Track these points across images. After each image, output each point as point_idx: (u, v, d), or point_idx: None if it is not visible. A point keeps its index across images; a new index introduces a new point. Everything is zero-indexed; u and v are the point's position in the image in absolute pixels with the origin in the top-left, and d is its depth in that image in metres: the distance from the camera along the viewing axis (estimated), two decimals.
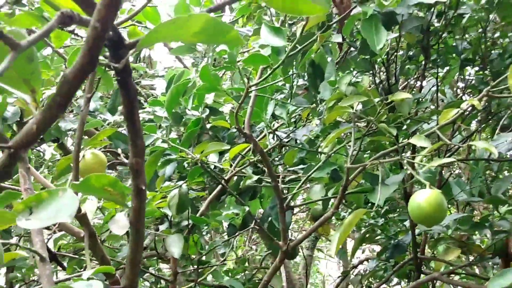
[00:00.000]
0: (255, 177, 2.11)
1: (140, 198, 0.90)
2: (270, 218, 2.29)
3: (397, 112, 1.79)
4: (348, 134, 1.89)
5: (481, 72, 2.19)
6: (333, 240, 1.36)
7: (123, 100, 0.83)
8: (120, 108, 2.88)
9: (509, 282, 1.36)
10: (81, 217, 1.61)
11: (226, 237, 2.56)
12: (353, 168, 1.58)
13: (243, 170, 2.15)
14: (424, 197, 1.33)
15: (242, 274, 3.00)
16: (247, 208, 1.96)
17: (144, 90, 3.20)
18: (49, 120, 0.65)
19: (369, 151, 2.17)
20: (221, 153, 2.40)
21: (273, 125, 2.24)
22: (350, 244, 7.32)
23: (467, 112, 1.61)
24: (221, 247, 3.23)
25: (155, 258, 2.95)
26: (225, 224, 3.01)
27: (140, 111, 2.75)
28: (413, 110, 1.90)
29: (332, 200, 2.17)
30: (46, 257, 1.30)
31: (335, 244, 1.35)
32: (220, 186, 2.27)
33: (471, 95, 2.44)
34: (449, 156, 2.36)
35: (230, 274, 3.23)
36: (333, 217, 3.48)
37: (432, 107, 2.41)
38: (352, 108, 1.53)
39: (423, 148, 1.44)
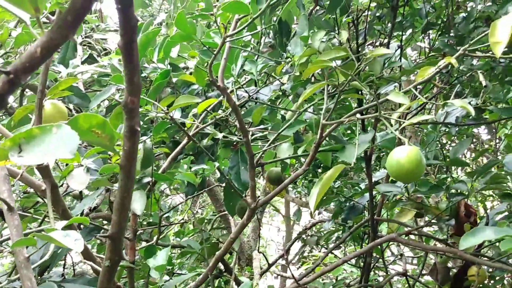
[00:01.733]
0: (220, 134, 2.06)
1: (134, 140, 0.84)
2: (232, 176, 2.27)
3: (368, 71, 1.79)
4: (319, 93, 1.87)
5: (446, 35, 2.21)
6: (312, 195, 1.34)
7: (121, 31, 0.76)
8: (72, 61, 2.75)
9: (480, 240, 1.39)
10: (43, 169, 1.52)
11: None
12: (327, 125, 1.56)
13: (207, 128, 2.10)
14: (404, 154, 1.33)
15: (196, 234, 2.98)
16: (214, 165, 1.90)
17: (98, 45, 3.06)
18: (56, 42, 0.58)
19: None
20: (183, 110, 2.34)
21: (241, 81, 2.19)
22: (292, 209, 7.43)
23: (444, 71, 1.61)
24: (167, 210, 3.19)
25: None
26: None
27: (94, 64, 2.63)
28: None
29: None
30: (13, 206, 1.22)
31: (314, 199, 1.33)
32: (181, 144, 2.21)
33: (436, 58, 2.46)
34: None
35: (182, 236, 3.20)
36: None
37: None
38: (331, 61, 1.50)
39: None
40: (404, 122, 1.38)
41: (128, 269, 2.02)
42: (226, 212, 3.53)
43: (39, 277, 2.34)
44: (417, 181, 1.92)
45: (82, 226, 2.51)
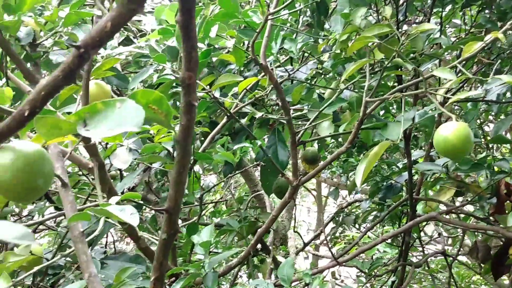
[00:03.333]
0: (259, 114, 2.07)
1: (191, 115, 0.86)
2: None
3: (410, 47, 1.76)
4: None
5: (487, 11, 2.17)
6: (358, 171, 1.35)
7: (180, 7, 0.77)
8: (109, 43, 2.78)
9: None
10: (90, 147, 1.55)
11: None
12: (371, 102, 1.55)
13: (246, 107, 2.11)
14: (451, 130, 1.32)
15: (232, 214, 3.00)
16: (257, 143, 1.90)
17: (134, 26, 3.09)
18: (126, 17, 0.59)
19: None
20: (220, 90, 2.36)
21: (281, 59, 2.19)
22: (324, 190, 7.43)
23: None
24: (198, 192, 3.21)
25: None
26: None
27: (131, 45, 2.66)
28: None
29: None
30: (67, 182, 1.25)
31: (360, 175, 1.33)
32: (221, 123, 2.22)
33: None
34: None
35: (217, 215, 3.23)
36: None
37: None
38: (375, 38, 1.49)
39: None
40: (450, 98, 1.37)
41: (172, 248, 2.06)
42: (260, 192, 3.56)
43: None
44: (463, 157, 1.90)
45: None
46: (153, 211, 3.11)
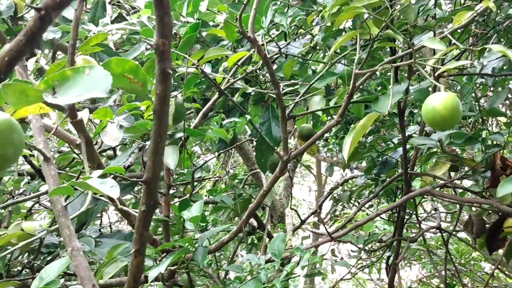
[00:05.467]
0: (251, 89, 2.05)
1: (166, 83, 0.84)
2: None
3: (402, 19, 1.74)
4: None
5: None
6: (345, 144, 1.33)
7: None
8: (101, 20, 2.75)
9: None
10: (77, 123, 1.54)
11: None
12: (360, 74, 1.53)
13: (238, 83, 2.09)
14: (440, 100, 1.30)
15: (229, 192, 3.00)
16: (246, 118, 1.89)
17: (127, 3, 3.05)
18: None
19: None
20: (213, 67, 2.33)
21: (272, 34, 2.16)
22: (324, 169, 7.42)
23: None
24: (198, 171, 3.20)
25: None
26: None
27: (124, 22, 2.63)
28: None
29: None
30: (50, 157, 1.24)
31: (347, 147, 1.32)
32: (212, 99, 2.21)
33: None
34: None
35: (214, 194, 3.23)
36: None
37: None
38: (365, 8, 1.46)
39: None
40: (439, 69, 1.35)
41: (163, 224, 2.06)
42: (258, 170, 3.55)
43: (76, 233, 2.41)
44: (453, 127, 1.87)
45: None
46: None
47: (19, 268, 2.45)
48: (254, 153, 3.63)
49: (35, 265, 2.19)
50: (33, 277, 1.91)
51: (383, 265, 3.40)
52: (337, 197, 2.87)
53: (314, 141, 1.76)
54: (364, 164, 3.50)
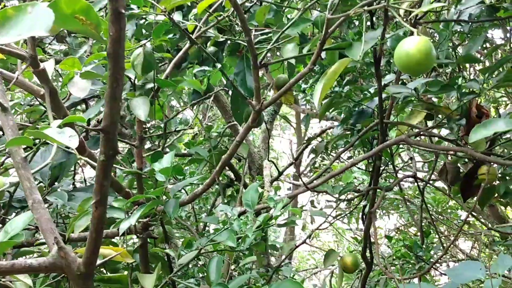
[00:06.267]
0: (223, 38, 1.99)
1: (120, 24, 0.79)
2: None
3: None
4: None
5: None
6: (316, 90, 1.30)
7: None
8: None
9: (491, 132, 1.35)
10: (40, 72, 1.48)
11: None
12: (333, 19, 1.48)
13: (210, 31, 2.03)
14: (413, 44, 1.27)
15: (206, 145, 2.97)
16: (217, 67, 1.83)
17: None
18: None
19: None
20: (184, 16, 2.26)
21: None
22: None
23: None
24: (176, 125, 3.16)
25: None
26: None
27: None
28: None
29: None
30: (8, 107, 1.19)
31: (318, 94, 1.28)
32: (184, 49, 2.15)
33: None
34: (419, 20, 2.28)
35: (191, 146, 3.20)
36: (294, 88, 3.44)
37: None
38: None
39: None
40: (413, 12, 1.31)
41: (137, 176, 2.03)
42: (235, 123, 3.52)
43: (49, 188, 2.37)
44: (427, 71, 1.84)
45: (89, 136, 2.51)
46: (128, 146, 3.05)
47: None
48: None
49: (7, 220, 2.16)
50: None
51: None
52: (314, 148, 2.85)
53: (287, 89, 1.72)
54: (343, 116, 3.48)
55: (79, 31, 0.83)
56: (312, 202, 4.89)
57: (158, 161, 1.67)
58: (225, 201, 3.46)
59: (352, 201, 3.18)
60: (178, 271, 1.76)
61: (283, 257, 2.95)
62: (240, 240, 1.66)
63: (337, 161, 4.80)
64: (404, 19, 1.88)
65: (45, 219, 1.05)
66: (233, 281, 1.75)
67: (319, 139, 3.65)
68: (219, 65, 1.81)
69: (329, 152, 3.94)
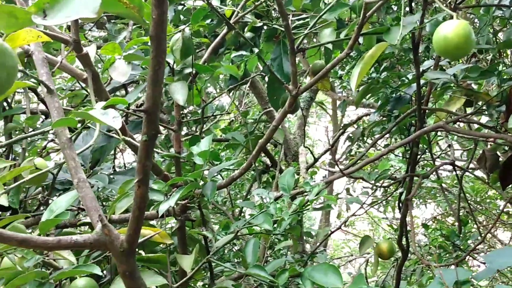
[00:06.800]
0: (260, 23, 2.01)
1: (162, 7, 0.81)
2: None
3: None
4: None
5: None
6: (353, 74, 1.30)
7: None
8: None
9: None
10: (83, 56, 1.53)
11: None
12: (371, 3, 1.48)
13: (247, 17, 2.05)
14: (452, 28, 1.26)
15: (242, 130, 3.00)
16: (254, 51, 1.85)
17: None
18: None
19: None
20: (222, 1, 2.28)
21: None
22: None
23: None
24: (213, 111, 3.19)
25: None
26: None
27: None
28: None
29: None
30: (53, 89, 1.24)
31: (355, 78, 1.29)
32: (221, 34, 2.17)
33: None
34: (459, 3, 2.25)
35: (228, 132, 3.23)
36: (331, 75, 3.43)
37: None
38: None
39: None
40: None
41: (175, 160, 2.07)
42: (271, 109, 3.53)
43: (90, 170, 2.44)
44: (466, 55, 1.82)
45: (128, 121, 2.56)
46: (167, 131, 3.11)
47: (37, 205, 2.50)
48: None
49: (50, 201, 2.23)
50: (34, 215, 1.95)
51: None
52: (350, 135, 2.85)
53: (324, 75, 1.73)
54: (379, 103, 3.45)
55: (122, 14, 0.85)
56: (347, 190, 4.89)
57: (196, 145, 1.70)
58: (261, 187, 3.49)
59: (388, 189, 3.16)
60: (215, 253, 1.80)
61: (318, 243, 2.97)
62: (276, 224, 1.68)
63: (373, 148, 4.77)
64: (444, 4, 1.86)
65: (89, 197, 1.09)
66: (269, 264, 1.78)
67: (355, 126, 3.63)
68: (256, 50, 1.83)
69: (365, 139, 3.92)
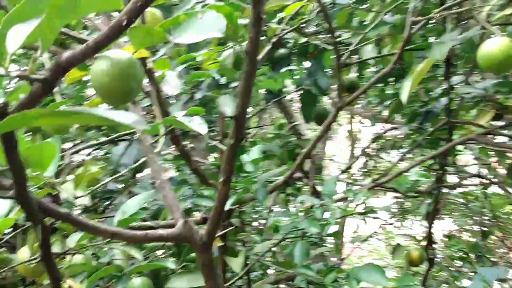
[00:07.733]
0: (304, 39, 2.13)
1: (258, 27, 0.93)
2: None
3: None
4: None
5: None
6: (404, 87, 1.42)
7: None
8: None
9: None
10: (147, 71, 1.65)
11: None
12: (416, 21, 1.59)
13: (289, 34, 2.17)
14: (497, 45, 1.37)
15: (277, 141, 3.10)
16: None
17: None
18: None
19: None
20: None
21: None
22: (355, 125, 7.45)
23: None
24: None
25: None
26: None
27: None
28: None
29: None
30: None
31: (407, 90, 1.40)
32: (265, 49, 2.29)
33: None
34: None
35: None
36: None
37: None
38: None
39: None
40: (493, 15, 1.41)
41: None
42: (296, 123, 3.65)
43: (131, 179, 2.56)
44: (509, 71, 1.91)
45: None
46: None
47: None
48: (293, 107, 3.75)
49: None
50: (107, 217, 2.07)
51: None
52: (381, 147, 2.95)
53: (368, 88, 1.84)
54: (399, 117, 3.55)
55: None
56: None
57: (246, 153, 1.82)
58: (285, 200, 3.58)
59: (415, 198, 3.26)
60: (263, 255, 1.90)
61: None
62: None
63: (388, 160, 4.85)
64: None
65: (171, 196, 1.21)
66: (314, 265, 1.88)
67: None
68: (305, 65, 1.95)
69: (387, 153, 4.01)
